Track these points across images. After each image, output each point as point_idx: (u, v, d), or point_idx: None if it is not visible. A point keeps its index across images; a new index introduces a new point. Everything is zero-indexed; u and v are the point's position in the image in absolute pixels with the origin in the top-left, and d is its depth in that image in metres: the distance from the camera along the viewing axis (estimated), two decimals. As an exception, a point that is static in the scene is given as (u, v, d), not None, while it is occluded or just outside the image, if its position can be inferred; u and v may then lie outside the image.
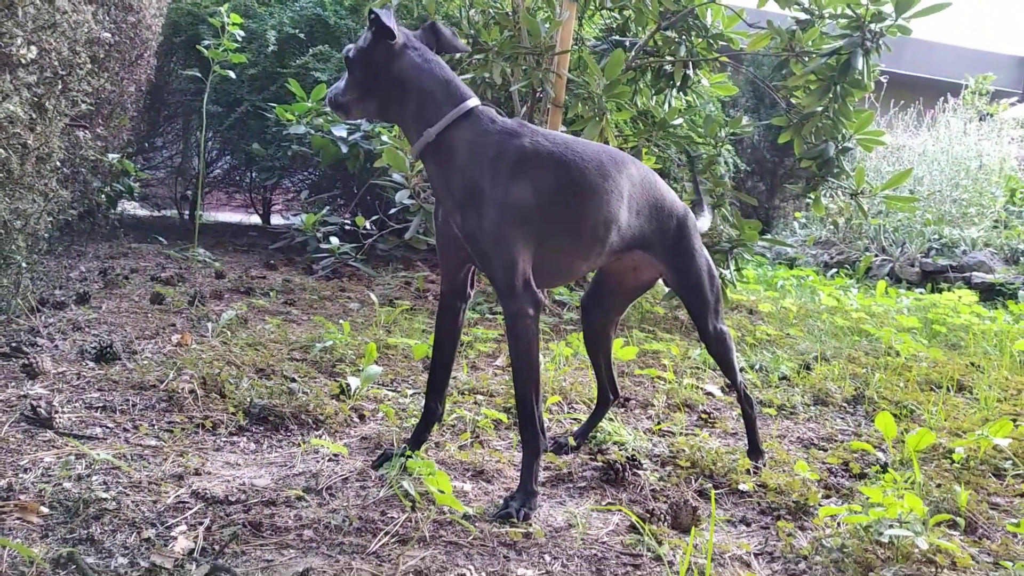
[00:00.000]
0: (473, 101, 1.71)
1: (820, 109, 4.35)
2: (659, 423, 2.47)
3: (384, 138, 5.47)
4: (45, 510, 1.40)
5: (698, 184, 2.36)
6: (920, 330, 5.11)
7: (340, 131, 6.34)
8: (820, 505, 1.85)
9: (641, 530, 1.55)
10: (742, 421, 2.70)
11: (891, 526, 1.42)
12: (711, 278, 2.02)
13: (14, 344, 2.61)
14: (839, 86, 4.17)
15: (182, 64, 8.00)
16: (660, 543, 1.53)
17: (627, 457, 1.98)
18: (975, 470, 2.25)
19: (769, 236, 8.69)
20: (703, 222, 2.26)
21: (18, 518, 1.35)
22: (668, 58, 4.91)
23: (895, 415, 2.89)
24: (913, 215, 9.01)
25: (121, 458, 1.72)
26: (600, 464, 1.94)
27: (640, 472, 1.94)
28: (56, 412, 1.88)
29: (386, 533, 1.44)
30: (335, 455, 1.84)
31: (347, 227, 5.79)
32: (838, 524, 1.61)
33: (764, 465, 2.13)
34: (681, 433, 2.45)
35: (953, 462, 2.29)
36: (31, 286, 3.16)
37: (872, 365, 3.85)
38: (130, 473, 1.63)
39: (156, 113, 8.25)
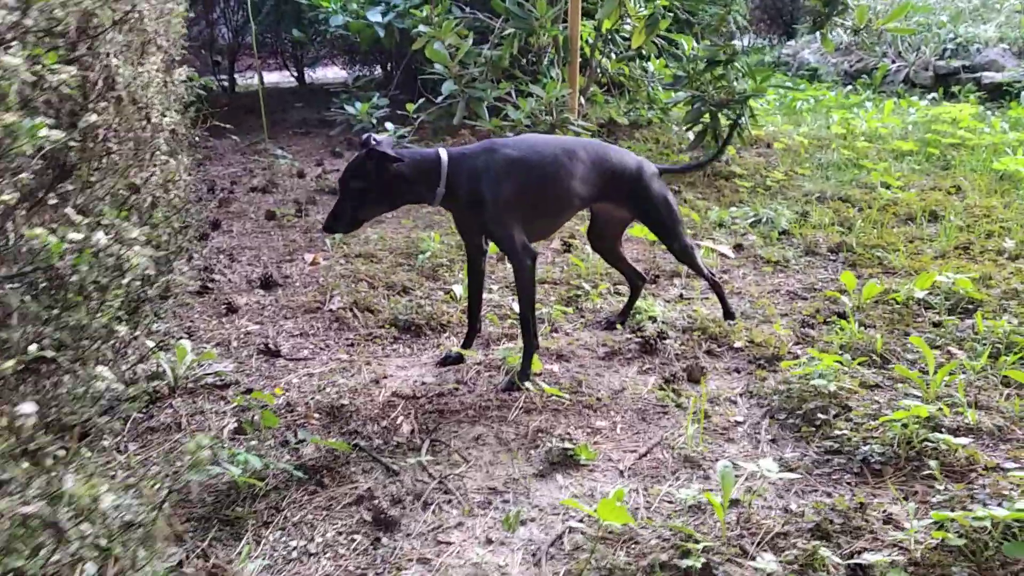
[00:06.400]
0: (442, 151, 2.50)
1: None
2: (681, 295, 3.37)
3: (422, 28, 5.99)
4: (317, 415, 2.39)
5: (723, 147, 3.11)
6: (916, 153, 5.76)
7: (375, 15, 6.86)
8: (789, 354, 2.76)
9: (665, 388, 2.51)
10: (748, 277, 3.59)
11: (818, 376, 2.34)
12: (668, 210, 2.82)
13: (201, 284, 3.57)
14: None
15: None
16: (679, 395, 2.48)
17: (657, 332, 2.90)
18: (912, 307, 3.13)
19: (779, 80, 8.93)
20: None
21: (306, 423, 2.35)
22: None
23: (866, 259, 3.73)
24: (930, 15, 9.16)
25: (333, 372, 2.70)
26: (639, 339, 2.87)
27: (667, 341, 2.87)
28: (279, 345, 2.86)
29: (516, 408, 2.41)
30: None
31: (393, 107, 6.45)
32: (792, 370, 2.52)
33: (736, 322, 3.01)
34: (699, 298, 3.35)
35: (897, 303, 3.16)
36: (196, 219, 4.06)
37: (863, 202, 4.62)
38: (346, 383, 2.61)
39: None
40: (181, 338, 3.00)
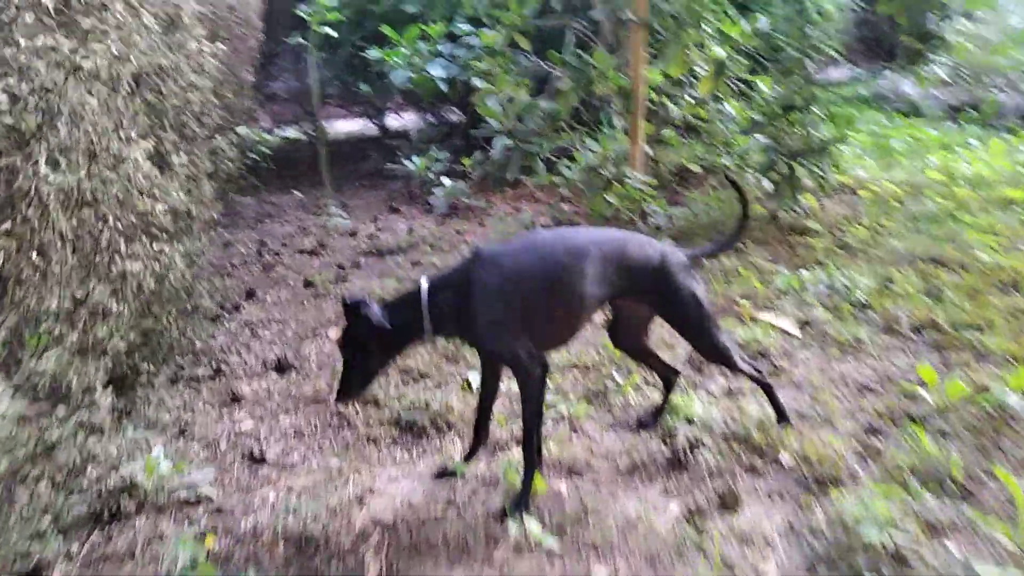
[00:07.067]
0: (423, 282, 2.25)
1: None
2: (729, 389, 2.94)
3: (477, 81, 5.79)
4: (281, 544, 2.13)
5: (745, 206, 2.64)
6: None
7: (437, 70, 6.73)
8: (847, 474, 2.30)
9: (689, 520, 2.11)
10: (811, 362, 3.14)
11: (870, 524, 1.89)
12: (697, 307, 2.40)
13: (215, 366, 3.40)
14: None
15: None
16: (701, 532, 2.07)
17: (691, 440, 2.49)
18: (1008, 410, 2.59)
19: (871, 117, 8.19)
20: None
21: (267, 554, 2.08)
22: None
23: (955, 341, 3.19)
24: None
25: (317, 485, 2.43)
26: (668, 450, 2.47)
27: (700, 453, 2.46)
28: (265, 450, 2.62)
29: (506, 545, 2.07)
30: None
31: (457, 156, 6.25)
32: (842, 502, 2.07)
33: (788, 426, 2.56)
34: (750, 389, 2.91)
35: (987, 403, 2.63)
36: (210, 300, 3.93)
37: (958, 264, 4.05)
38: (327, 500, 2.33)
39: (272, 49, 9.02)
40: (178, 434, 2.82)
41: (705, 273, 4.17)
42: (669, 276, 2.38)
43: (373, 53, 6.77)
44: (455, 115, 9.40)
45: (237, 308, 4.17)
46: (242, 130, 6.51)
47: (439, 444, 2.66)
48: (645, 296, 2.42)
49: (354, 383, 2.27)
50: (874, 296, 3.70)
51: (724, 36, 5.34)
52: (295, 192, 7.16)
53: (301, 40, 6.58)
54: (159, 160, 2.89)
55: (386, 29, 6.69)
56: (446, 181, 6.15)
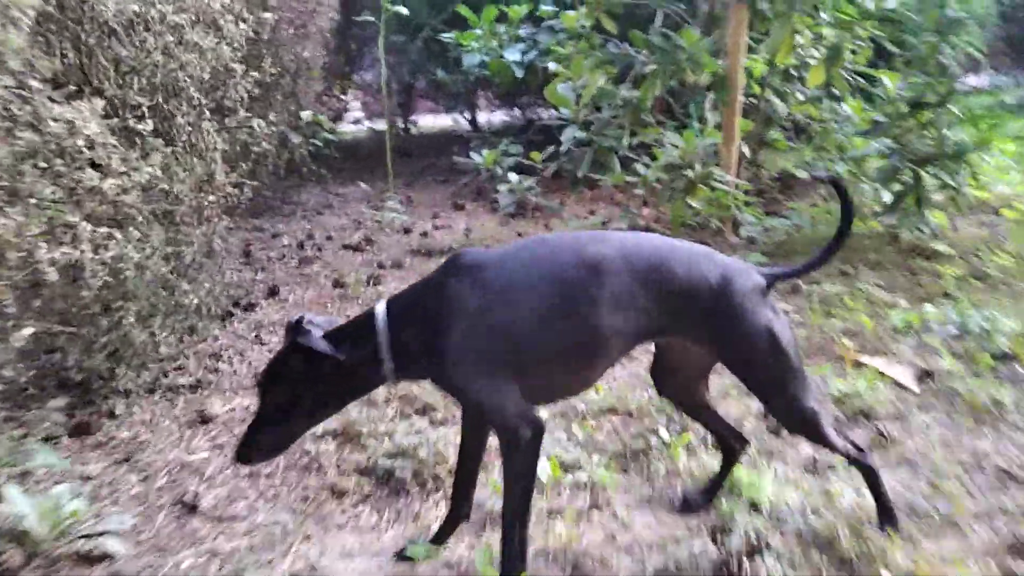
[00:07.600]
0: (379, 307, 1.68)
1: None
2: (815, 461, 2.20)
3: (552, 66, 5.19)
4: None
5: (847, 205, 1.84)
6: None
7: (514, 54, 6.14)
8: (981, 621, 1.56)
9: None
10: (933, 432, 2.40)
11: None
12: (773, 349, 1.69)
13: (200, 376, 2.92)
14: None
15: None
16: None
17: (752, 539, 1.79)
18: None
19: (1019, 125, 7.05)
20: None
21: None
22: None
23: None
24: None
25: (253, 550, 1.88)
26: (717, 555, 1.78)
27: (764, 560, 1.75)
28: (203, 495, 2.09)
29: None
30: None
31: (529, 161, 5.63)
32: None
33: (897, 530, 1.82)
34: (843, 466, 2.17)
35: None
36: (223, 292, 3.46)
37: None
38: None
39: (357, 37, 8.67)
40: (122, 460, 2.34)
41: (798, 300, 3.41)
42: (734, 306, 1.69)
43: (447, 35, 6.24)
44: (543, 108, 8.82)
45: (253, 307, 3.70)
46: (306, 115, 6.14)
47: (417, 509, 2.05)
48: (698, 334, 1.74)
49: (268, 440, 1.67)
50: (1021, 345, 2.85)
51: (842, 19, 4.50)
52: (361, 184, 6.73)
53: (370, 18, 6.10)
54: (123, 128, 2.43)
55: (462, 9, 6.14)
56: (513, 177, 5.54)
